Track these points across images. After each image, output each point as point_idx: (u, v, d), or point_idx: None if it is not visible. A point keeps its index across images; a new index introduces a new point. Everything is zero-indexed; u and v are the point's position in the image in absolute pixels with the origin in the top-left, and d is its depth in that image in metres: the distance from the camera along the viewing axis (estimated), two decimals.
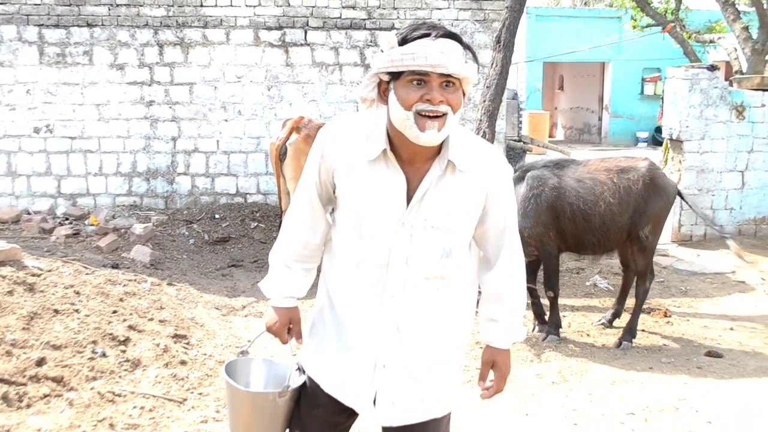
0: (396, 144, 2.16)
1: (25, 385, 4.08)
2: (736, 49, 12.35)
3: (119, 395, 4.21)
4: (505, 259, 2.36)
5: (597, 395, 4.84)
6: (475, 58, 2.17)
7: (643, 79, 23.93)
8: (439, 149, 2.16)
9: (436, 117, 2.05)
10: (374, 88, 2.18)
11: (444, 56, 2.01)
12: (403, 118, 2.06)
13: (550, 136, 24.35)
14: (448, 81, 2.06)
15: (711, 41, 13.74)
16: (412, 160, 2.17)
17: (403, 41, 2.07)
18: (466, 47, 2.10)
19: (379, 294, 2.22)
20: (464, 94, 2.14)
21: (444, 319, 2.28)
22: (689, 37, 13.75)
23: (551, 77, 27.15)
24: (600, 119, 25.38)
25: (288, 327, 2.43)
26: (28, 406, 3.94)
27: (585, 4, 33.87)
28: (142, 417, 4.01)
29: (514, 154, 11.29)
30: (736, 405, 4.74)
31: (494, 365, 2.37)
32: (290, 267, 2.40)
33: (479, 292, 2.42)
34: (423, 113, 2.04)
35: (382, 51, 2.09)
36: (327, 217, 2.35)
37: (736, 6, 11.99)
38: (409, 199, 2.17)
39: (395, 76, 2.09)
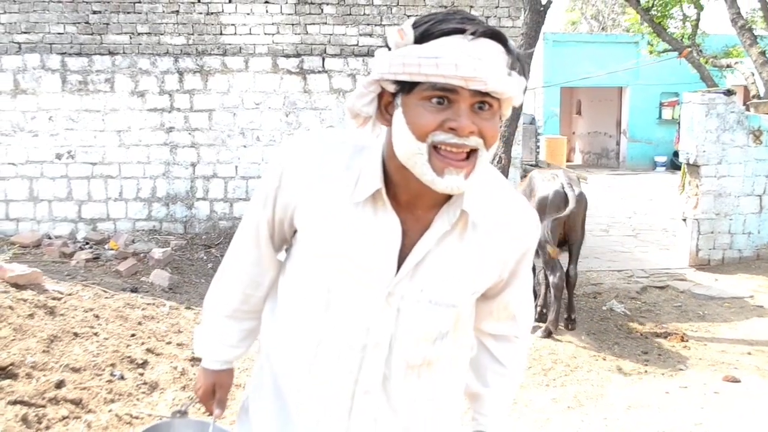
0: (394, 180, 1.51)
1: (44, 407, 4.15)
2: (753, 74, 12.37)
3: (137, 417, 4.26)
4: (510, 343, 1.84)
5: (612, 420, 4.83)
6: (524, 69, 1.47)
7: (661, 104, 23.98)
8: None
9: (461, 157, 1.40)
10: (373, 101, 1.49)
11: (481, 65, 1.35)
12: (413, 151, 1.40)
13: (568, 161, 24.38)
14: (484, 101, 1.39)
15: (728, 66, 13.76)
16: (413, 205, 1.53)
17: (422, 37, 1.39)
18: (513, 53, 1.43)
19: (349, 389, 1.61)
20: (501, 119, 1.49)
21: (429, 414, 1.71)
22: (706, 62, 13.80)
23: (569, 102, 27.25)
24: (618, 144, 25.43)
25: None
26: (47, 428, 4.00)
27: (602, 29, 34.02)
28: None
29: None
30: (754, 429, 4.71)
31: None
32: (225, 324, 1.82)
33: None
34: (442, 148, 1.39)
35: (389, 48, 1.45)
36: (277, 262, 1.76)
37: (753, 31, 12.03)
38: (401, 260, 1.54)
39: (406, 87, 1.41)
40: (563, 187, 6.63)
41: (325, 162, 1.55)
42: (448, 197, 1.52)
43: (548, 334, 6.62)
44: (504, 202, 1.60)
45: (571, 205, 6.51)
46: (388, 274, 1.54)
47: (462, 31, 1.36)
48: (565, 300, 6.91)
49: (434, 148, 1.39)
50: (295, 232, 1.66)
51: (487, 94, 1.38)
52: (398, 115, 1.43)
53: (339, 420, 1.63)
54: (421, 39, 1.39)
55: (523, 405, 5.02)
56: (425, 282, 1.55)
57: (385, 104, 1.48)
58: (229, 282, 1.79)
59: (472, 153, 1.41)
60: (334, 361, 1.60)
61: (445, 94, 1.37)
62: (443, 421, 1.74)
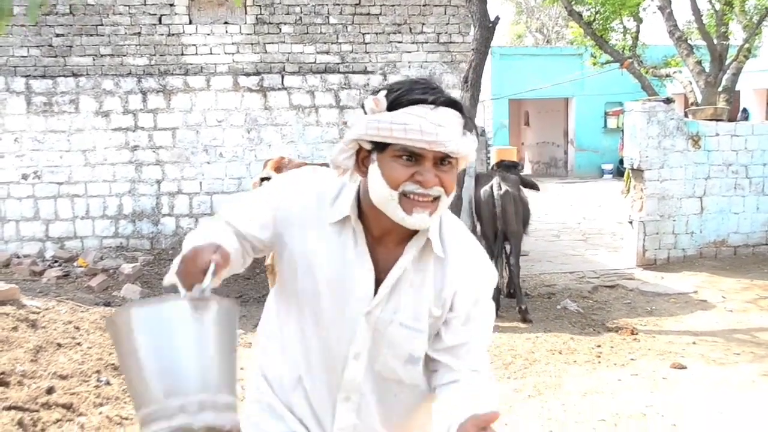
0: (367, 215, 1.79)
1: (38, 411, 4.36)
2: (691, 82, 12.98)
3: (126, 418, 4.50)
4: (472, 369, 1.84)
5: (570, 405, 5.19)
6: (476, 131, 1.77)
7: (606, 114, 24.69)
8: (414, 232, 1.79)
9: (428, 200, 1.70)
10: (352, 156, 1.76)
11: (442, 131, 1.64)
12: (387, 198, 1.69)
13: None
14: (445, 158, 1.69)
15: (667, 75, 14.38)
16: (384, 239, 1.81)
17: (393, 105, 1.68)
18: (467, 118, 1.73)
19: (332, 395, 1.86)
20: (458, 169, 1.77)
21: (404, 422, 1.94)
22: (647, 72, 14.40)
23: (517, 113, 27.84)
24: (566, 153, 26.04)
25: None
26: (43, 430, 4.22)
27: (547, 42, 34.85)
28: None
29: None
30: (699, 409, 5.10)
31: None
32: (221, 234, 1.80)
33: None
34: (411, 196, 1.68)
35: (366, 112, 1.71)
36: (258, 234, 1.84)
37: (688, 42, 12.66)
38: (376, 284, 1.79)
39: (380, 146, 1.70)
40: (491, 188, 7.77)
41: (316, 194, 1.83)
42: (414, 233, 1.79)
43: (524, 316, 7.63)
44: (464, 246, 1.87)
45: (497, 199, 7.73)
46: (367, 297, 1.78)
47: (425, 101, 1.66)
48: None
49: (404, 195, 1.68)
50: (277, 244, 1.85)
51: (447, 154, 1.67)
52: (374, 168, 1.71)
53: (325, 426, 1.88)
54: (391, 107, 1.67)
55: None
56: (398, 305, 1.79)
57: (362, 158, 1.75)
58: (237, 214, 1.86)
59: (435, 198, 1.70)
60: (323, 370, 1.85)
61: (412, 154, 1.67)
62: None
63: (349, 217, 1.79)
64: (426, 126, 1.63)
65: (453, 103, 1.70)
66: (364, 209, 1.80)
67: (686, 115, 10.88)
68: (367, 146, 1.72)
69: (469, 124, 1.73)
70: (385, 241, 1.81)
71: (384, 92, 1.71)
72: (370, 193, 1.74)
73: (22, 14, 7.39)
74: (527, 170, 27.90)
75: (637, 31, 15.10)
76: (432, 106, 1.66)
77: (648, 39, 18.46)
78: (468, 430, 1.68)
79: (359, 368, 1.83)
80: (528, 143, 28.56)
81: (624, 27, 15.45)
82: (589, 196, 19.14)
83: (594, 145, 24.93)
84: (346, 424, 1.86)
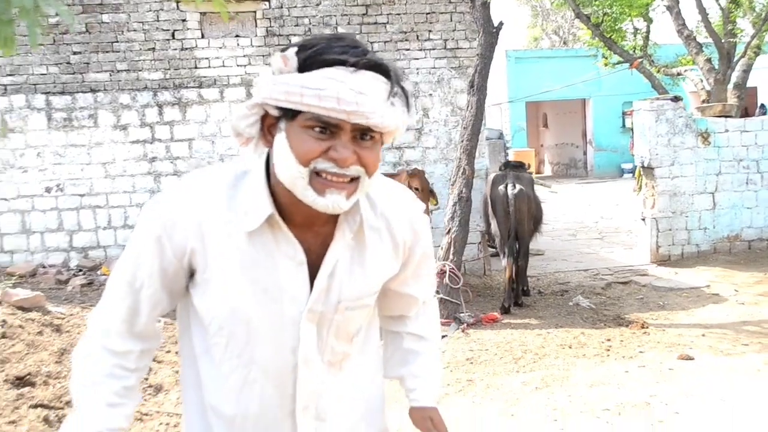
0: (284, 203, 1.51)
1: (62, 408, 4.59)
2: (702, 80, 13.04)
3: (147, 414, 4.72)
4: (422, 304, 1.91)
5: (576, 396, 5.31)
6: (407, 99, 1.49)
7: (624, 113, 24.70)
8: None
9: (344, 181, 1.44)
10: (255, 122, 1.49)
11: (364, 99, 1.37)
12: (295, 175, 1.42)
13: (537, 173, 25.04)
14: (365, 132, 1.43)
15: (679, 74, 14.43)
16: (309, 223, 1.54)
17: (305, 65, 1.39)
18: (395, 84, 1.45)
19: (288, 411, 1.62)
20: (383, 144, 1.51)
21: (361, 401, 1.76)
22: (658, 71, 14.46)
23: (535, 116, 27.97)
24: (585, 153, 26.10)
25: None
26: None
27: (564, 43, 34.89)
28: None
29: None
30: (704, 397, 5.19)
31: (432, 423, 1.85)
32: (105, 383, 1.61)
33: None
34: (324, 175, 1.42)
35: (273, 73, 1.43)
36: (156, 326, 1.67)
37: (697, 40, 12.73)
38: (312, 275, 1.56)
39: (289, 113, 1.42)
40: (506, 187, 7.90)
41: (207, 200, 1.52)
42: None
43: (505, 311, 7.79)
44: (390, 200, 1.66)
45: (510, 198, 7.88)
46: (303, 293, 1.55)
47: (344, 63, 1.38)
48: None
49: (315, 173, 1.41)
50: (191, 278, 1.59)
51: (368, 127, 1.41)
52: (281, 138, 1.43)
53: None
54: (303, 67, 1.39)
55: (495, 389, 5.51)
56: (341, 291, 1.58)
57: (267, 126, 1.48)
58: (106, 346, 1.61)
59: (353, 179, 1.44)
60: (268, 390, 1.60)
61: (327, 125, 1.39)
62: (372, 400, 1.80)
63: (272, 215, 1.50)
64: (344, 93, 1.36)
65: (378, 66, 1.42)
66: (277, 194, 1.51)
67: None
68: (274, 112, 1.45)
69: (398, 92, 1.46)
70: (310, 225, 1.54)
71: (295, 49, 1.42)
72: (276, 170, 1.47)
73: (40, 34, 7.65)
74: (547, 172, 27.98)
75: (648, 31, 15.18)
76: (353, 68, 1.38)
77: (660, 38, 18.52)
78: (416, 421, 1.87)
79: (312, 372, 1.60)
80: (547, 145, 28.65)
81: (634, 27, 15.54)
82: (608, 195, 19.19)
83: (613, 144, 24.98)
84: (310, 430, 1.64)
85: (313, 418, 1.63)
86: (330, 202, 1.42)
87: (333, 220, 1.56)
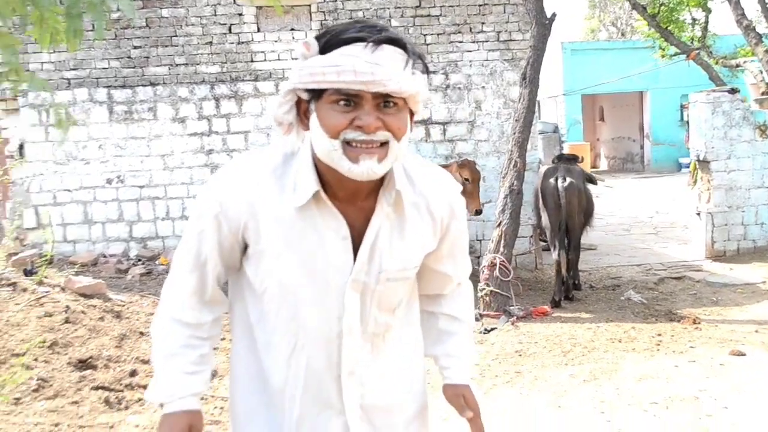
0: (328, 180, 1.65)
1: (122, 391, 4.80)
2: (761, 72, 12.76)
3: (202, 399, 4.89)
4: (457, 286, 2.04)
5: (624, 389, 5.31)
6: (426, 68, 1.65)
7: (682, 106, 24.20)
8: (382, 179, 1.68)
9: (374, 146, 1.56)
10: (292, 109, 1.64)
11: (379, 69, 1.51)
12: (329, 148, 1.56)
13: (593, 167, 24.73)
14: (388, 100, 1.55)
15: (737, 65, 14.14)
16: (352, 198, 1.68)
17: (325, 47, 1.56)
18: (411, 54, 1.59)
19: (334, 375, 1.75)
20: (413, 115, 1.66)
21: (404, 371, 1.89)
22: (716, 63, 14.19)
23: (591, 109, 27.57)
24: (642, 147, 25.68)
25: None
26: (126, 408, 4.64)
27: (621, 35, 34.36)
28: (222, 415, 4.69)
29: None
30: (755, 393, 5.13)
31: (465, 400, 1.96)
32: (182, 354, 1.79)
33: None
34: (354, 144, 1.55)
35: (299, 59, 1.59)
36: (222, 293, 1.83)
37: (757, 30, 12.44)
38: (355, 248, 1.69)
39: (316, 94, 1.58)
40: (557, 180, 7.91)
41: (258, 179, 1.67)
42: (381, 182, 1.68)
43: (555, 305, 7.79)
44: (429, 178, 1.79)
45: (561, 191, 7.90)
46: (348, 264, 1.68)
47: (361, 40, 1.52)
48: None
49: (347, 143, 1.55)
50: (244, 252, 1.74)
51: (388, 94, 1.54)
52: (313, 119, 1.59)
53: (332, 404, 1.77)
54: (324, 50, 1.55)
55: (543, 381, 5.55)
56: (381, 263, 1.71)
57: (303, 111, 1.64)
58: (179, 316, 1.79)
59: (383, 144, 1.57)
60: (315, 355, 1.73)
61: (350, 97, 1.53)
62: (413, 374, 1.92)
63: (318, 192, 1.64)
64: (360, 65, 1.50)
65: (394, 41, 1.55)
66: (321, 172, 1.65)
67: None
68: (305, 96, 1.61)
69: (417, 63, 1.61)
70: (352, 200, 1.68)
71: (315, 35, 1.62)
72: (315, 148, 1.62)
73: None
74: (603, 166, 27.63)
75: (706, 22, 14.90)
76: (367, 45, 1.52)
77: (718, 29, 18.13)
78: (450, 398, 1.99)
79: (356, 340, 1.74)
80: (603, 139, 28.28)
81: (692, 18, 15.26)
82: (665, 190, 18.90)
83: (671, 138, 24.52)
84: (355, 396, 1.77)
85: (358, 383, 1.77)
86: (365, 169, 1.55)
87: (374, 195, 1.70)
